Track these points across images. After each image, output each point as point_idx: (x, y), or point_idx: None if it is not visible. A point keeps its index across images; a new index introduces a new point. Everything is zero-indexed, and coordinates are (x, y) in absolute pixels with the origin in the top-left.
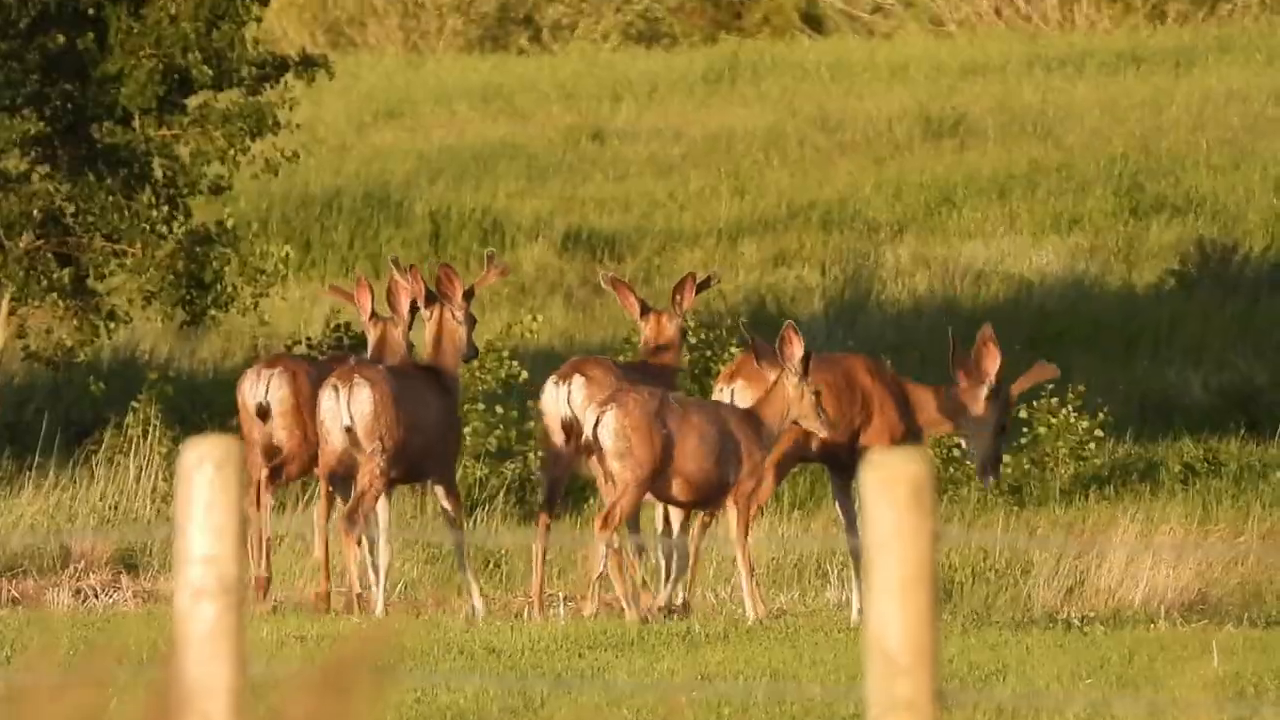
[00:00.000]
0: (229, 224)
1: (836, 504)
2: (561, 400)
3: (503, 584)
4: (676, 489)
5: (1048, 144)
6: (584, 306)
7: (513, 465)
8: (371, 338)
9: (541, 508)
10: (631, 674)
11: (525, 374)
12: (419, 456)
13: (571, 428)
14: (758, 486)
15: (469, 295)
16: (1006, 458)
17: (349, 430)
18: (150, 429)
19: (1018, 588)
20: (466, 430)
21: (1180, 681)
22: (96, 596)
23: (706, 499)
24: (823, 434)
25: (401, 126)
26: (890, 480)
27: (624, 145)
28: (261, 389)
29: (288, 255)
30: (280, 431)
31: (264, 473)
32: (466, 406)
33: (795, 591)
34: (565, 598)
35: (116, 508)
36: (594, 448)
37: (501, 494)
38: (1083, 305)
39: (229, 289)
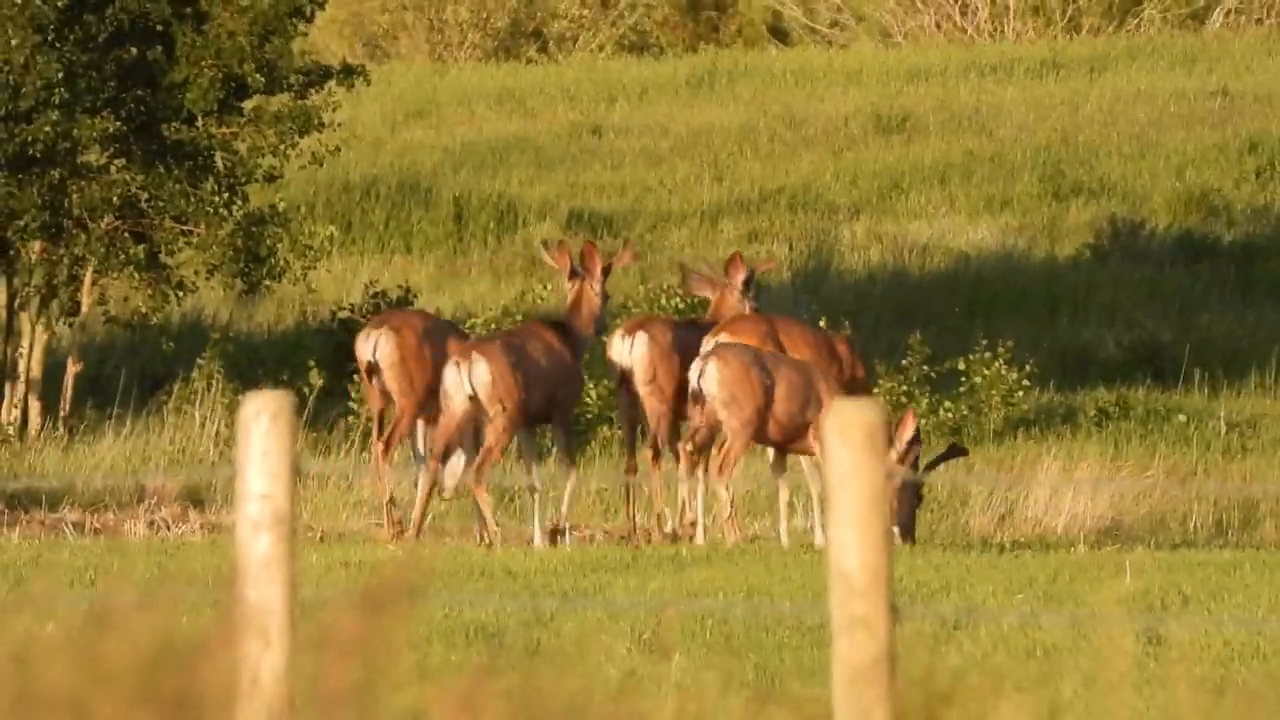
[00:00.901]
0: (281, 208)
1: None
2: (624, 352)
3: (516, 515)
4: (772, 431)
5: (982, 137)
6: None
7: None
8: (570, 294)
9: (625, 449)
10: (627, 592)
11: None
12: (542, 405)
13: (627, 377)
14: None
15: (606, 272)
16: (948, 403)
17: (473, 399)
18: (213, 383)
19: (957, 516)
20: None
21: (1098, 597)
22: (168, 528)
23: (794, 439)
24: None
25: (428, 125)
26: (848, 425)
27: (619, 139)
28: (369, 348)
29: (332, 234)
30: (390, 383)
31: (380, 441)
32: None
33: (767, 520)
34: (572, 528)
35: (184, 451)
36: (699, 398)
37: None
38: (1012, 275)
39: (281, 263)
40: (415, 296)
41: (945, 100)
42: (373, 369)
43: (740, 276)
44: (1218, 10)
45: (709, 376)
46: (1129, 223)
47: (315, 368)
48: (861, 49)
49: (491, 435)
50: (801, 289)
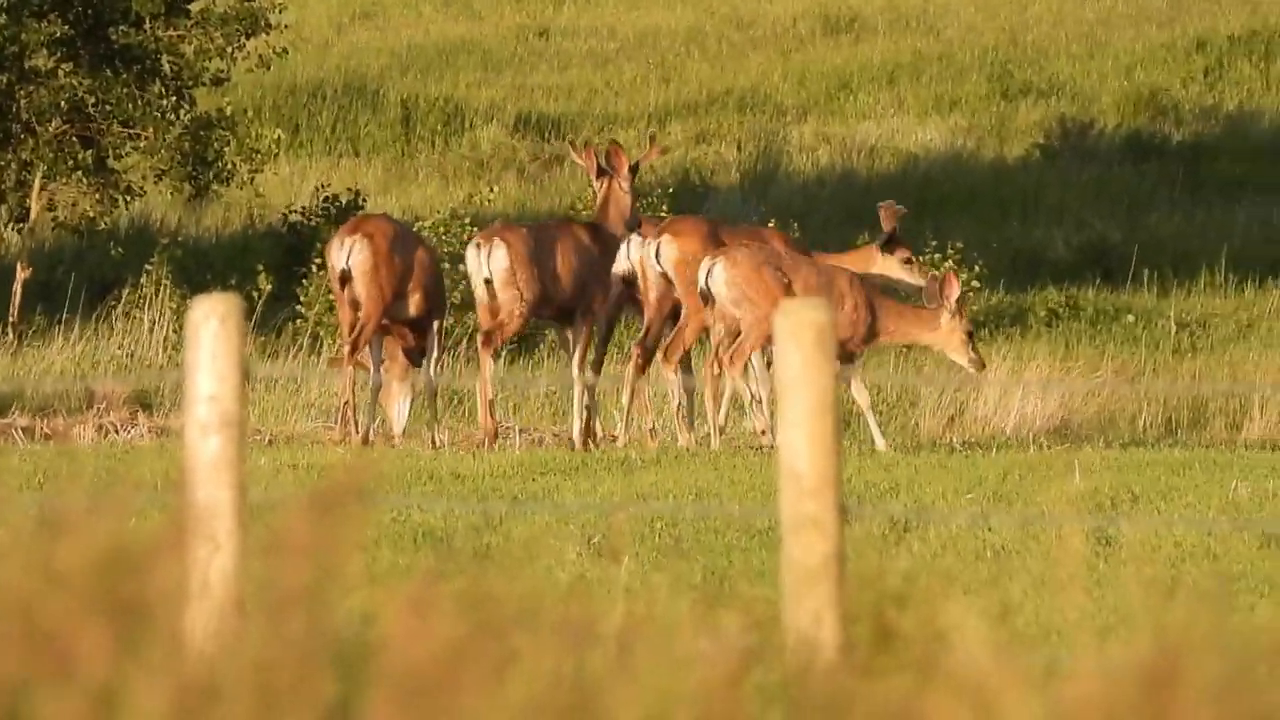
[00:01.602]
0: (228, 111)
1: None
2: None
3: (465, 418)
4: None
5: (929, 38)
6: (534, 179)
7: (473, 316)
8: (600, 193)
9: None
10: (577, 495)
11: None
12: (570, 302)
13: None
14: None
15: (634, 170)
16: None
17: (488, 283)
18: (161, 288)
19: (906, 417)
20: None
21: (1048, 496)
22: (116, 432)
23: None
24: (971, 369)
25: (375, 26)
26: (798, 326)
27: (566, 41)
28: (343, 255)
29: (279, 138)
30: (359, 289)
31: (348, 343)
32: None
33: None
34: (520, 430)
35: (133, 355)
36: (709, 297)
37: (465, 341)
38: (961, 175)
39: (229, 167)
40: (364, 200)
41: (893, 0)
42: (345, 276)
43: (625, 167)
44: None
45: (716, 278)
46: (1077, 123)
47: (264, 272)
48: None
49: (504, 313)
50: (750, 190)
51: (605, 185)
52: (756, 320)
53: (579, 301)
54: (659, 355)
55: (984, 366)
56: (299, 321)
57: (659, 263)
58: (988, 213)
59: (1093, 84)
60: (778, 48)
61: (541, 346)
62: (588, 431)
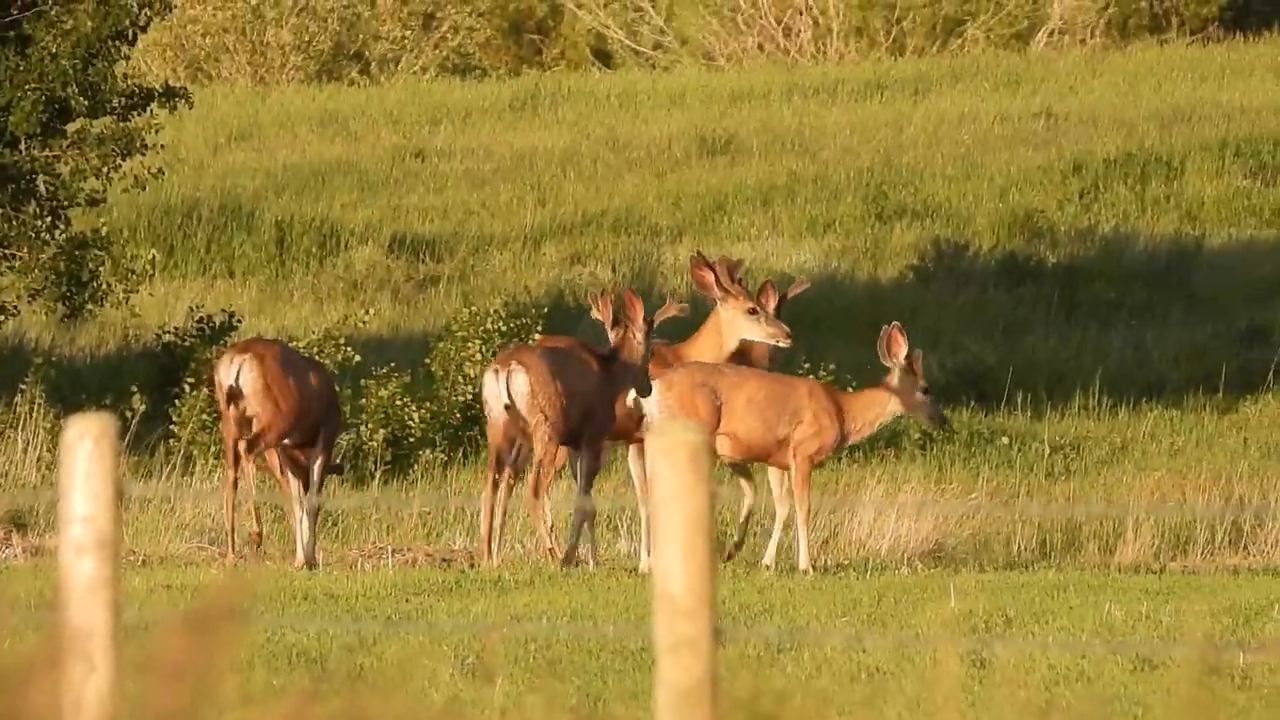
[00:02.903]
0: (103, 231)
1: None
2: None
3: (339, 539)
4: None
5: (805, 159)
6: (409, 300)
7: (348, 436)
8: (613, 340)
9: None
10: (450, 615)
11: (358, 358)
12: (578, 424)
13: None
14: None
15: (649, 324)
16: None
17: (510, 409)
18: (35, 407)
19: (781, 539)
20: None
21: (922, 619)
22: None
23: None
24: (929, 426)
25: (251, 148)
26: (672, 446)
27: (442, 162)
28: (233, 372)
29: (154, 258)
30: (254, 407)
31: (243, 444)
32: None
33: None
34: (394, 550)
35: (7, 475)
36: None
37: (339, 461)
38: (836, 297)
39: (104, 286)
40: (239, 320)
41: (768, 122)
42: (234, 394)
43: (772, 304)
44: (1041, 31)
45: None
46: (953, 244)
47: (138, 392)
48: (685, 71)
49: (539, 447)
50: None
51: (620, 335)
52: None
53: (585, 426)
54: (527, 493)
55: (945, 423)
56: (172, 441)
57: (509, 394)
58: (862, 334)
59: (968, 206)
60: (653, 169)
61: (415, 467)
62: (568, 558)
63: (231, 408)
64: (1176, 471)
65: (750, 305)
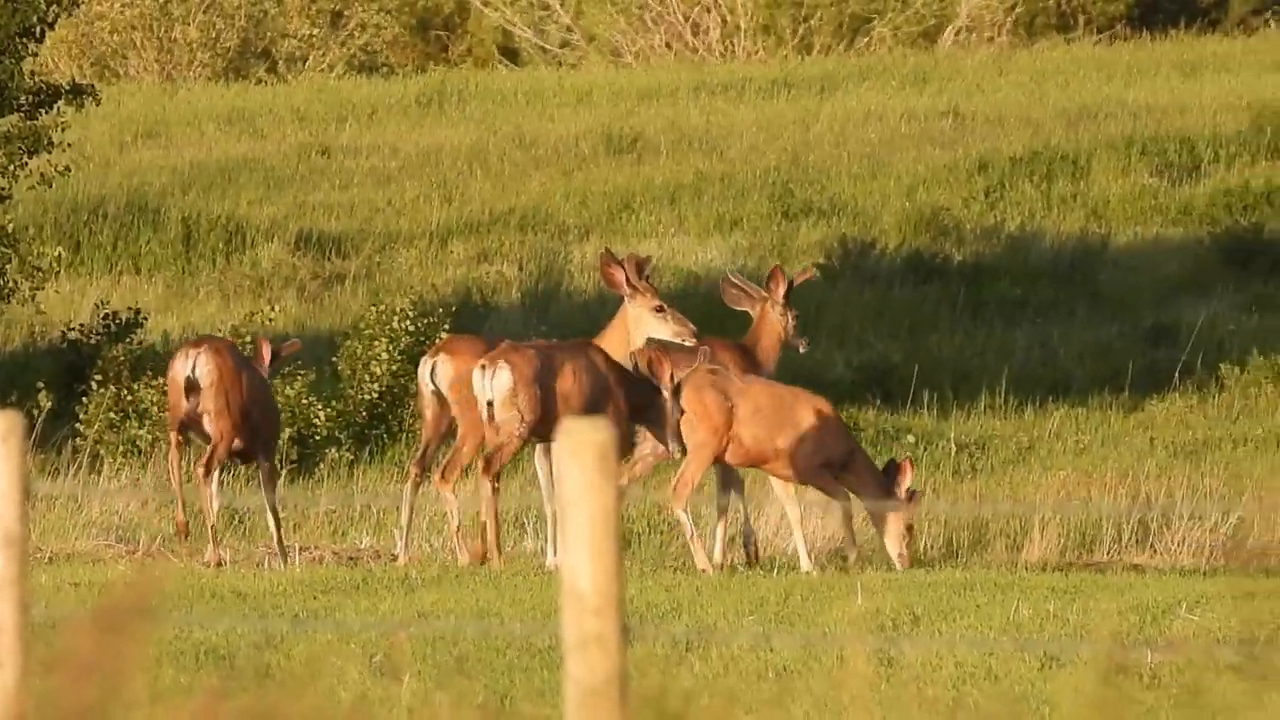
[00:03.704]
0: (9, 228)
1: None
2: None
3: (245, 537)
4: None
5: (712, 158)
6: (315, 298)
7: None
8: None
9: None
10: (358, 614)
11: None
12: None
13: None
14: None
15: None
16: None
17: (490, 405)
18: None
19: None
20: None
21: (829, 617)
22: None
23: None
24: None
25: (158, 145)
26: (580, 446)
27: (348, 159)
28: (189, 365)
29: (60, 255)
30: (207, 402)
31: (204, 458)
32: None
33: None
34: (301, 548)
35: None
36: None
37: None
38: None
39: (10, 284)
40: (145, 317)
41: (675, 120)
42: (191, 386)
43: (781, 290)
44: (948, 30)
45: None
46: (859, 242)
47: (44, 389)
48: (592, 69)
49: (504, 436)
50: (531, 309)
51: (622, 311)
52: (692, 447)
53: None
54: (436, 475)
55: (909, 566)
56: (79, 439)
57: (434, 381)
58: None
59: (874, 204)
60: (560, 167)
61: (322, 466)
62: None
63: (185, 402)
64: (1083, 470)
65: (657, 303)
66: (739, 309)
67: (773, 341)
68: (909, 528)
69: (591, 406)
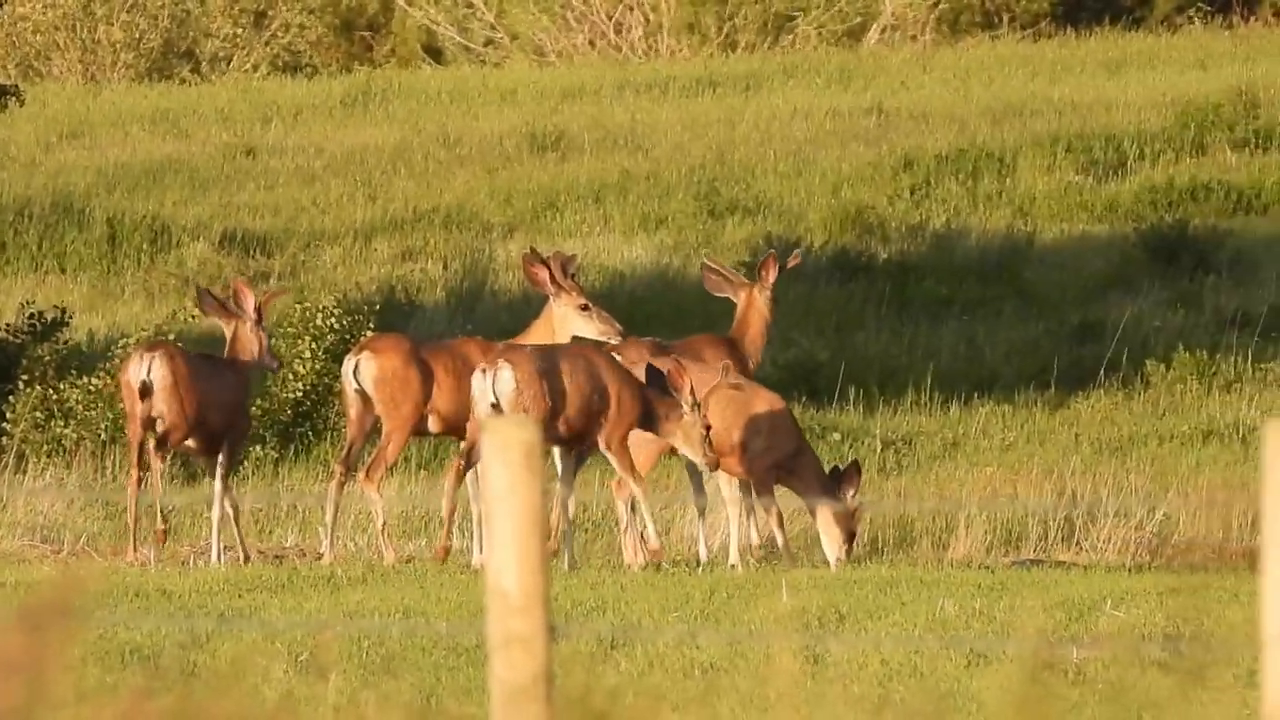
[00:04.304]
0: None
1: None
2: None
3: (170, 536)
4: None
5: (637, 156)
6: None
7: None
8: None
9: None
10: (284, 612)
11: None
12: (582, 426)
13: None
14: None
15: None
16: None
17: (495, 407)
18: None
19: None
20: None
21: (755, 615)
22: None
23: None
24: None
25: (82, 146)
26: (505, 444)
27: (273, 159)
28: (143, 369)
29: None
30: (160, 405)
31: (151, 442)
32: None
33: (424, 540)
34: (226, 547)
35: None
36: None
37: (170, 459)
38: (668, 293)
39: None
40: (70, 317)
41: (600, 119)
42: (145, 390)
43: (773, 276)
44: (873, 27)
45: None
46: (784, 241)
47: None
48: (516, 68)
49: None
50: (456, 308)
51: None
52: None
53: (591, 428)
54: (360, 474)
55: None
56: (4, 439)
57: (357, 380)
58: (695, 330)
59: (800, 202)
60: (484, 165)
61: (247, 464)
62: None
63: (140, 405)
64: (1009, 467)
65: (582, 301)
66: (719, 295)
67: (760, 330)
68: (850, 534)
69: (590, 409)
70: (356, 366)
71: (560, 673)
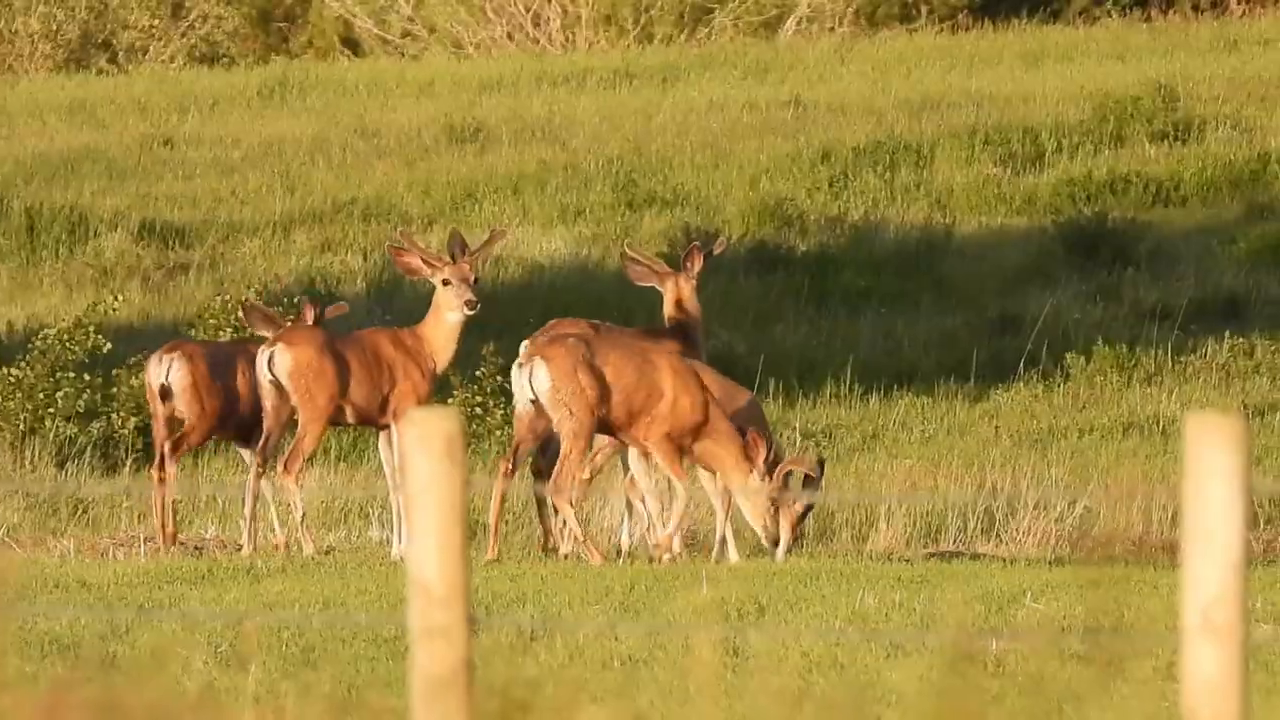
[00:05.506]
0: None
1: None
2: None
3: (89, 527)
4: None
5: (555, 148)
6: (159, 288)
7: (98, 424)
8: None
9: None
10: (204, 603)
11: (109, 345)
12: (622, 414)
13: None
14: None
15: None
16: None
17: (535, 403)
18: None
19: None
20: (59, 395)
21: (674, 607)
22: None
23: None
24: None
25: (0, 136)
26: (427, 435)
27: (191, 150)
28: (163, 371)
29: None
30: (181, 406)
31: (168, 444)
32: (58, 374)
33: (343, 531)
34: (146, 538)
35: None
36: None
37: (89, 449)
38: (587, 284)
39: None
40: None
41: (518, 110)
42: (165, 392)
43: (698, 265)
44: (790, 19)
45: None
46: (702, 233)
47: None
48: (433, 59)
49: (565, 443)
50: (375, 299)
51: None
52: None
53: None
54: (279, 466)
55: (776, 542)
56: None
57: (272, 371)
58: (614, 322)
59: (718, 194)
60: (402, 157)
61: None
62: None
63: (161, 407)
64: (929, 459)
65: (444, 276)
66: (643, 285)
67: (698, 317)
68: (773, 502)
69: (632, 405)
70: (271, 358)
71: (481, 664)
